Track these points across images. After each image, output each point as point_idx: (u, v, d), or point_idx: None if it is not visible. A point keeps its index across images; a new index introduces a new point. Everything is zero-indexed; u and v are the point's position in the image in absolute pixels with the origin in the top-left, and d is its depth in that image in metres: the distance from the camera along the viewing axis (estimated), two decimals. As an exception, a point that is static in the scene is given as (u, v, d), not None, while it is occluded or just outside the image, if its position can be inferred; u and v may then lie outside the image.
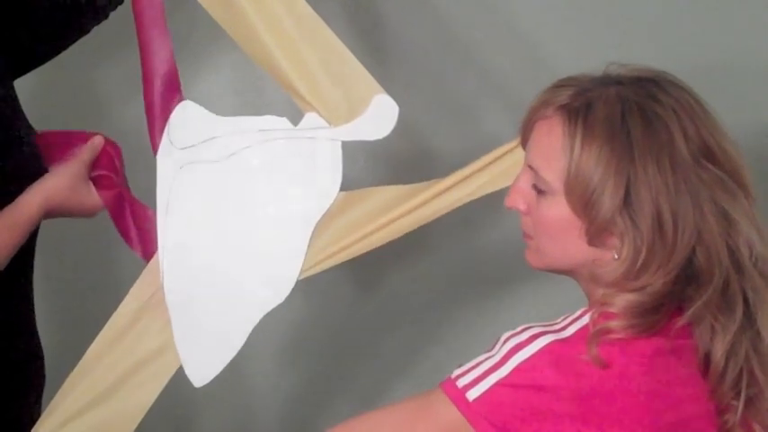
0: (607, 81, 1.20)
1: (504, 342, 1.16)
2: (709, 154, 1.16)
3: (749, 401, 1.16)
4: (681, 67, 1.26)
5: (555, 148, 1.18)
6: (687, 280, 1.15)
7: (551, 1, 1.97)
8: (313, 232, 1.45)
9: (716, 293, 1.15)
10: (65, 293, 2.09)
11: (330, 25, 1.46)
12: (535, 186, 1.22)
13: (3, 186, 1.40)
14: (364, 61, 1.46)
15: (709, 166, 1.15)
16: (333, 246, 1.45)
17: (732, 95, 1.72)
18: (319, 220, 1.45)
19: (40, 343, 1.57)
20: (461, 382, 1.15)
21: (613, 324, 1.14)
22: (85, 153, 1.46)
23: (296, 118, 1.48)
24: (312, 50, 1.45)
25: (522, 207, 1.24)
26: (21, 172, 1.42)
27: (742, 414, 1.15)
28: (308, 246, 1.45)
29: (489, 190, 1.44)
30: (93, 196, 1.46)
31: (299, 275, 1.45)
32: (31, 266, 1.54)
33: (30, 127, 1.48)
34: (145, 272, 1.49)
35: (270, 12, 1.44)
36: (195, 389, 1.46)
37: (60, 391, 1.45)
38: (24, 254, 1.46)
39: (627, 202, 1.14)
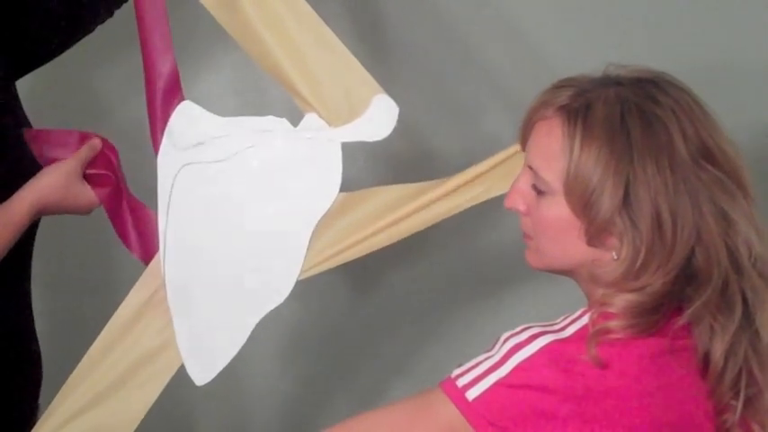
0: (606, 82, 1.20)
1: (504, 342, 1.16)
2: (709, 154, 1.16)
3: (748, 401, 1.16)
4: (680, 68, 1.26)
5: (554, 148, 1.18)
6: (686, 280, 1.15)
7: (551, 1, 1.98)
8: (313, 233, 1.45)
9: (715, 293, 1.15)
10: (65, 294, 2.09)
11: (331, 25, 1.46)
12: (535, 187, 1.22)
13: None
14: (364, 61, 1.46)
15: (708, 166, 1.15)
16: (333, 247, 1.45)
17: (732, 95, 1.72)
18: (319, 221, 1.45)
19: (37, 342, 1.57)
20: (461, 382, 1.15)
21: (613, 324, 1.14)
22: (82, 152, 1.46)
23: (296, 118, 1.48)
24: (312, 51, 1.45)
25: (521, 208, 1.24)
26: (16, 173, 1.42)
27: (741, 414, 1.15)
28: (308, 246, 1.45)
29: (489, 196, 1.44)
30: (87, 194, 1.46)
31: (299, 276, 1.46)
32: (29, 267, 1.54)
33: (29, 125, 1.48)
34: (146, 271, 1.49)
35: (271, 12, 1.44)
36: (195, 389, 1.46)
37: (61, 392, 1.45)
38: (22, 254, 1.47)
39: (626, 202, 1.14)
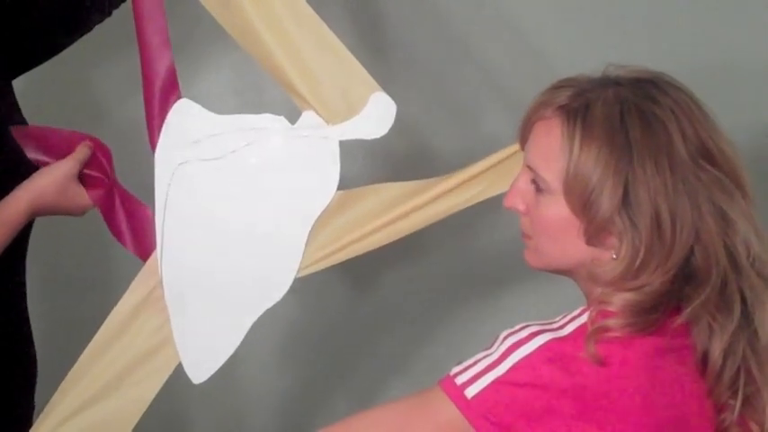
0: (606, 82, 1.21)
1: (503, 340, 1.16)
2: (708, 154, 1.16)
3: (746, 400, 1.16)
4: (680, 68, 1.26)
5: (554, 148, 1.18)
6: (685, 279, 1.15)
7: (551, 1, 1.98)
8: (311, 231, 1.45)
9: (714, 293, 1.15)
10: (62, 292, 2.09)
11: (330, 25, 1.46)
12: (534, 186, 1.22)
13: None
14: (364, 61, 1.46)
15: (708, 166, 1.16)
16: (331, 245, 1.45)
17: (731, 95, 1.72)
18: (317, 219, 1.45)
19: (32, 341, 1.57)
20: (460, 380, 1.15)
21: (611, 322, 1.14)
22: (77, 153, 1.46)
23: (294, 118, 1.48)
24: (311, 49, 1.45)
25: (520, 207, 1.24)
26: (8, 173, 1.42)
27: (739, 413, 1.15)
28: (306, 244, 1.45)
29: (488, 195, 1.44)
30: (82, 196, 1.46)
31: (297, 274, 1.46)
32: (23, 265, 1.54)
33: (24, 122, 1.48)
34: (143, 269, 1.49)
35: (269, 11, 1.44)
36: (192, 387, 1.46)
37: (59, 390, 1.45)
38: (16, 253, 1.46)
39: (625, 202, 1.15)
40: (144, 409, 1.45)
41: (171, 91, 1.48)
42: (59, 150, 1.46)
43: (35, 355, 1.58)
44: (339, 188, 1.46)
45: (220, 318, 1.46)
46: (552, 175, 1.19)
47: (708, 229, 1.14)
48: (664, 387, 1.13)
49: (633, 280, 1.15)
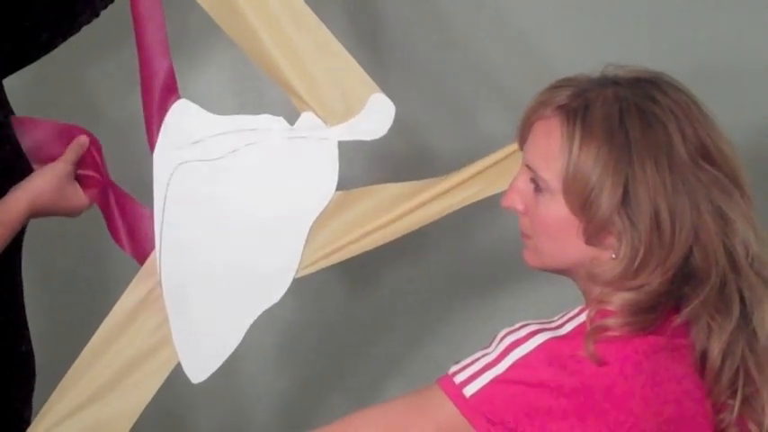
0: (605, 82, 1.20)
1: (502, 339, 1.16)
2: (707, 154, 1.16)
3: (745, 400, 1.16)
4: (680, 68, 1.26)
5: (553, 148, 1.18)
6: (684, 279, 1.15)
7: (551, 1, 1.98)
8: (309, 231, 1.45)
9: (713, 293, 1.15)
10: (61, 292, 2.09)
11: (329, 26, 1.46)
12: (533, 186, 1.22)
13: None
14: (363, 61, 1.46)
15: (707, 166, 1.16)
16: (329, 245, 1.45)
17: (730, 95, 1.72)
18: (316, 220, 1.45)
19: (30, 340, 1.57)
20: (458, 379, 1.15)
21: (610, 321, 1.14)
22: (71, 153, 1.45)
23: (293, 119, 1.48)
24: (309, 50, 1.45)
25: (519, 207, 1.24)
26: (5, 170, 1.42)
27: (738, 413, 1.15)
28: (305, 245, 1.45)
29: (486, 194, 1.44)
30: (79, 196, 1.46)
31: (296, 274, 1.45)
32: (20, 265, 1.53)
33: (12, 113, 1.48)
34: (142, 269, 1.49)
35: (268, 11, 1.45)
36: (190, 387, 1.46)
37: (57, 390, 1.45)
38: (11, 253, 1.46)
39: (625, 201, 1.14)
40: (142, 409, 1.45)
41: (169, 91, 1.48)
42: (57, 142, 1.45)
43: (33, 355, 1.57)
44: (338, 189, 1.46)
45: (219, 318, 1.47)
46: (551, 174, 1.19)
47: (707, 228, 1.14)
48: (662, 386, 1.13)
49: (632, 279, 1.15)
